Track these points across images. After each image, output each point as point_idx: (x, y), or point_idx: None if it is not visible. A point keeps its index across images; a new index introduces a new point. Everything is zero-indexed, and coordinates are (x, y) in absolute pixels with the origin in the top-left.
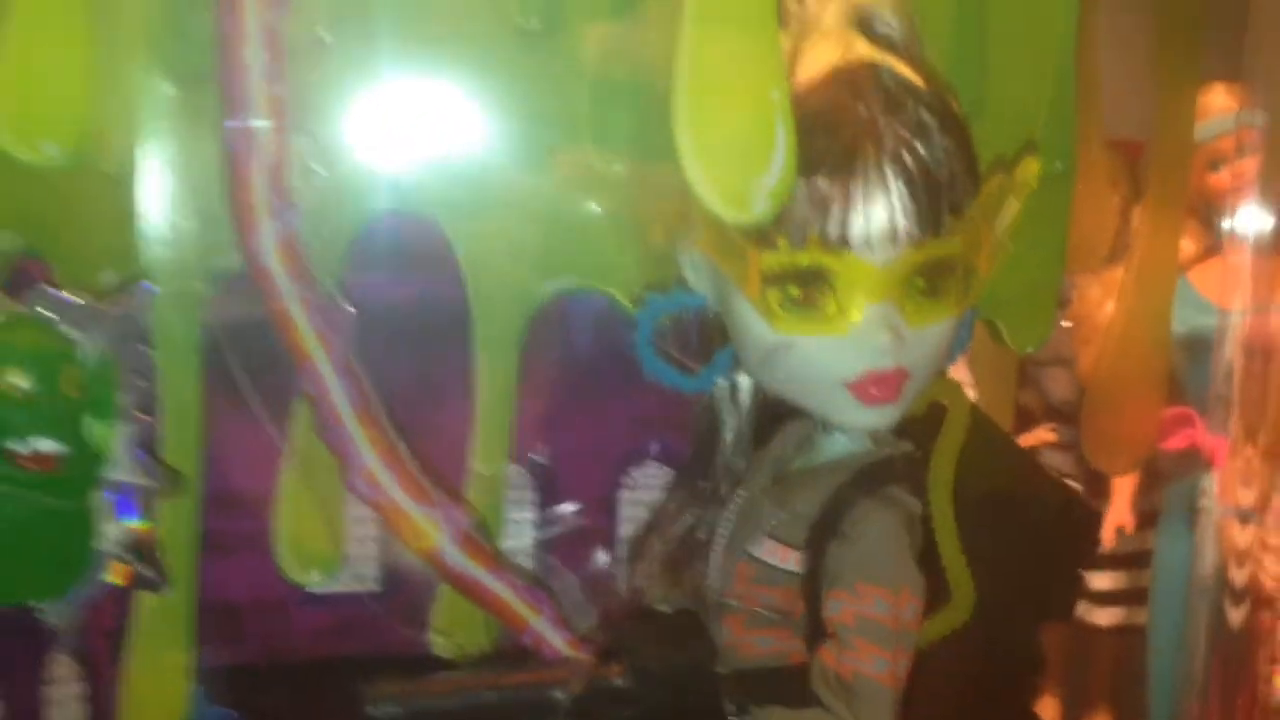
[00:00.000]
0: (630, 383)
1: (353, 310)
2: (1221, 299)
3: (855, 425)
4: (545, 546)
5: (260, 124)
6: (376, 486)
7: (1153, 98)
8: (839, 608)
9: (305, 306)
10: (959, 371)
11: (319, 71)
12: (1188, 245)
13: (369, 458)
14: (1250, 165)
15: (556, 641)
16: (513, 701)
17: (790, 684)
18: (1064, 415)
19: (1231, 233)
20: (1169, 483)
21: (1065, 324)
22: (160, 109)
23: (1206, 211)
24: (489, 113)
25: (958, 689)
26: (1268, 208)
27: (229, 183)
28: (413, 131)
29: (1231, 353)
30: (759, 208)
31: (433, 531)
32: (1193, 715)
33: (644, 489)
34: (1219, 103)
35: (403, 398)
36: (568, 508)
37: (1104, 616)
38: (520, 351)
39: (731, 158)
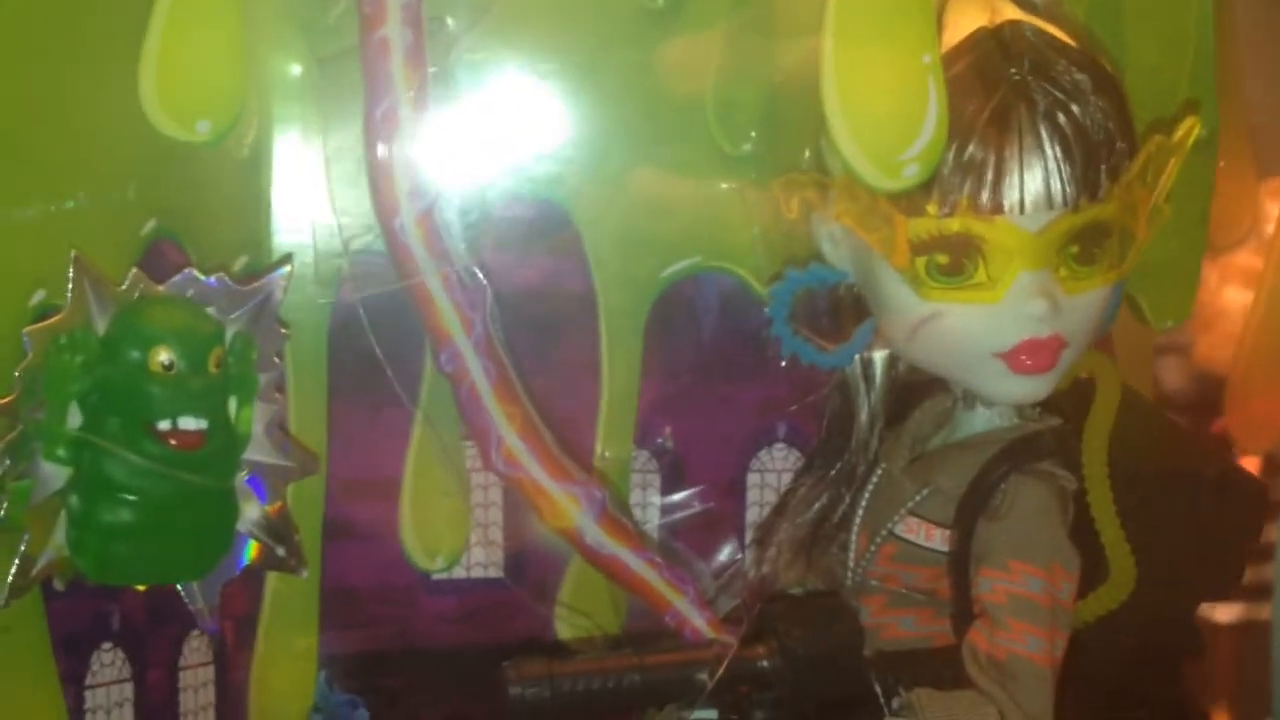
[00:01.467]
0: (757, 364)
1: (488, 287)
2: None
3: (1009, 396)
4: (672, 531)
5: (403, 104)
6: (516, 464)
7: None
8: (991, 586)
9: (444, 283)
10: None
11: (449, 54)
12: None
13: (509, 435)
14: None
15: (699, 623)
16: (657, 683)
17: (940, 665)
18: (1177, 405)
19: None
20: None
21: None
22: (291, 92)
23: None
24: (612, 94)
25: (1115, 670)
26: None
27: (370, 162)
28: (535, 115)
29: None
30: (909, 173)
31: (573, 509)
32: None
33: (772, 472)
34: None
35: (528, 382)
36: (694, 492)
37: (1225, 613)
38: (645, 335)
39: (881, 123)
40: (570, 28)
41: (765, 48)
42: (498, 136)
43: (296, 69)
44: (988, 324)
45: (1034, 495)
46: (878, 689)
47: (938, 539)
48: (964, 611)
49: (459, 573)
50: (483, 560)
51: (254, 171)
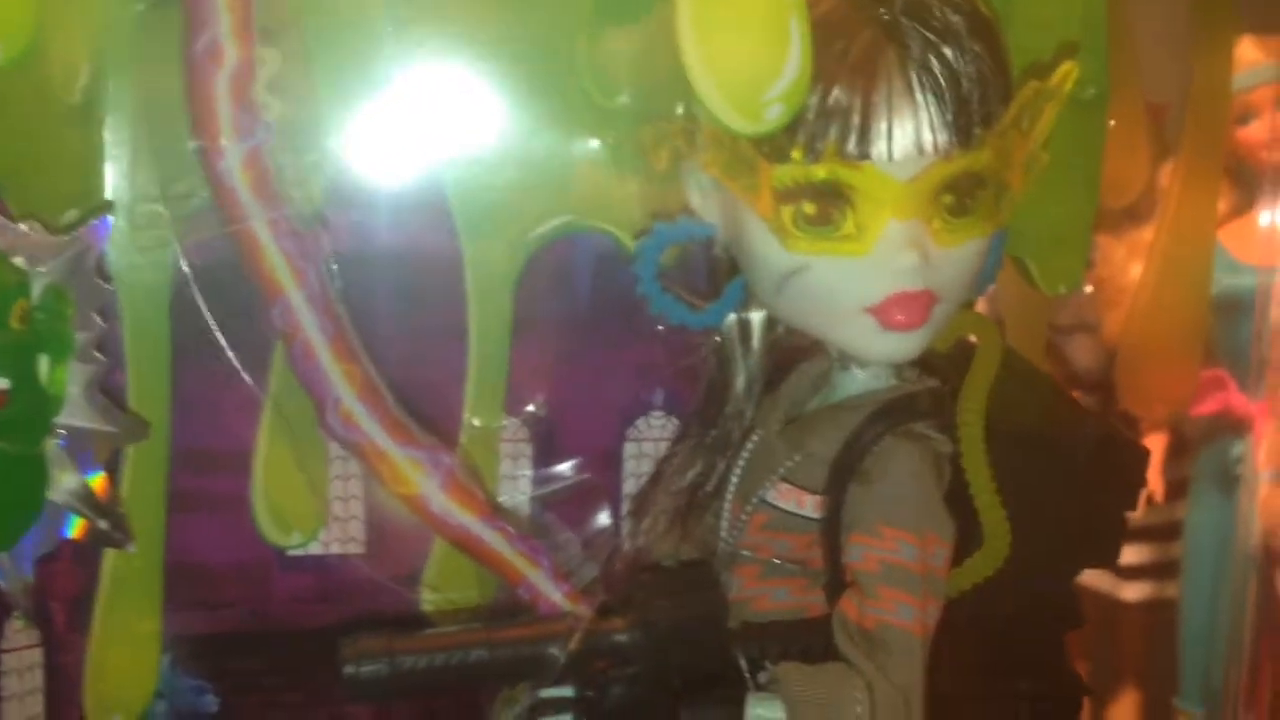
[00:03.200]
0: (633, 329)
1: (326, 234)
2: (1257, 258)
3: (879, 354)
4: (544, 503)
5: (224, 35)
6: (354, 426)
7: (1182, 51)
8: (861, 553)
9: (274, 230)
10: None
11: None
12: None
13: (347, 396)
14: None
15: (555, 595)
16: (506, 659)
17: (809, 637)
18: (1088, 383)
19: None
20: (1199, 450)
21: (1088, 289)
22: (128, 33)
23: (1237, 168)
24: (478, 44)
25: (991, 640)
26: None
27: (190, 99)
28: (396, 65)
29: (1273, 313)
30: (771, 115)
31: (417, 475)
32: (1241, 688)
33: (649, 440)
34: (1248, 56)
35: (390, 346)
36: (568, 462)
37: (1132, 591)
38: (515, 298)
39: (741, 63)
40: None
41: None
42: (352, 87)
43: (139, 7)
44: (856, 277)
45: (906, 458)
46: (742, 662)
47: (809, 506)
48: (837, 581)
49: (316, 549)
50: (341, 536)
51: (86, 118)
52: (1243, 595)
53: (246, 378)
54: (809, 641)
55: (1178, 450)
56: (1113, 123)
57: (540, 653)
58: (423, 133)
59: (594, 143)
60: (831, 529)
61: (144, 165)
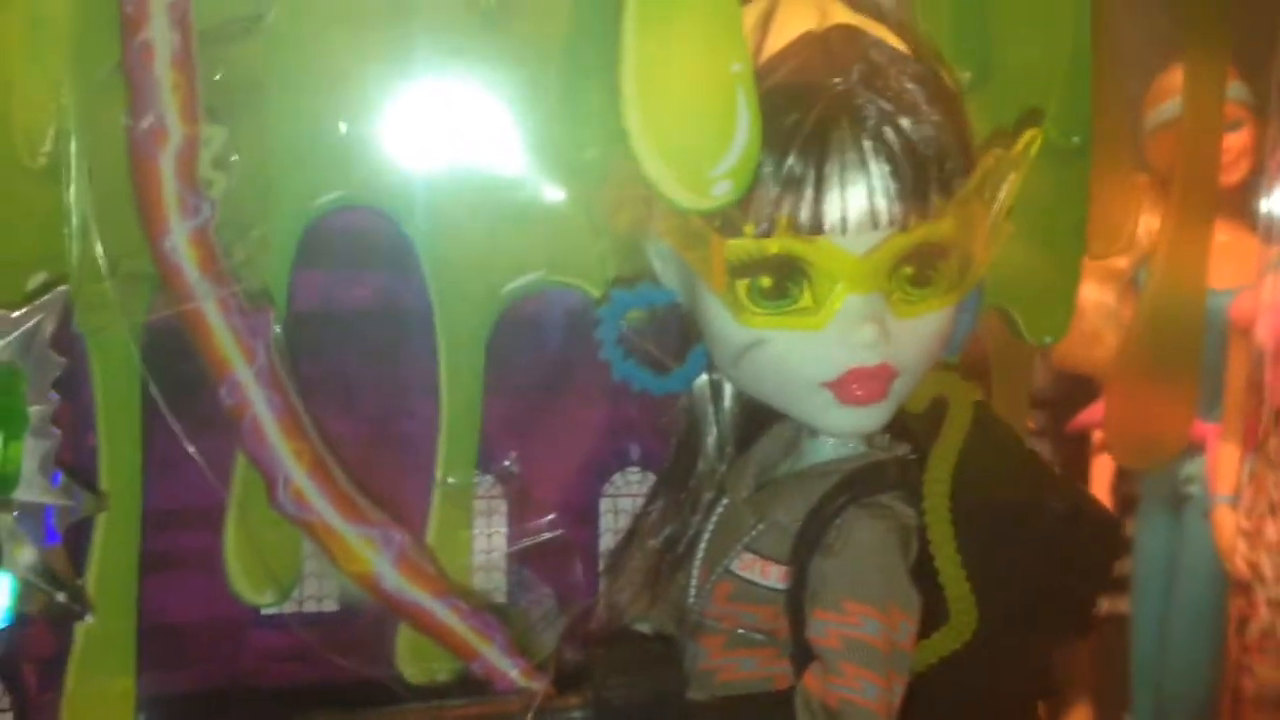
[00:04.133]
0: (607, 384)
1: (274, 312)
2: (1212, 280)
3: (837, 428)
4: (520, 559)
5: (169, 115)
6: (305, 504)
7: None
8: (824, 629)
9: (222, 308)
10: None
11: (254, 53)
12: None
13: (296, 474)
14: (1238, 141)
15: (510, 671)
16: None
17: (771, 711)
18: (1039, 403)
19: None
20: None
21: None
22: (91, 99)
23: None
24: (448, 98)
25: (959, 714)
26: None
27: (135, 176)
28: (361, 119)
29: (1224, 334)
30: (718, 190)
31: (368, 553)
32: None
33: (625, 496)
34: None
35: (361, 403)
36: (543, 518)
37: None
38: (488, 352)
39: (686, 136)
40: (398, 26)
41: (609, 49)
42: (326, 144)
43: (102, 75)
44: (813, 352)
45: (870, 531)
46: None
47: (774, 576)
48: (803, 652)
49: (290, 607)
50: (316, 593)
51: (52, 182)
52: (1202, 619)
53: (196, 455)
54: (770, 717)
55: (1127, 469)
56: (1099, 170)
57: None
58: (393, 188)
59: (566, 196)
60: (796, 601)
61: (94, 240)
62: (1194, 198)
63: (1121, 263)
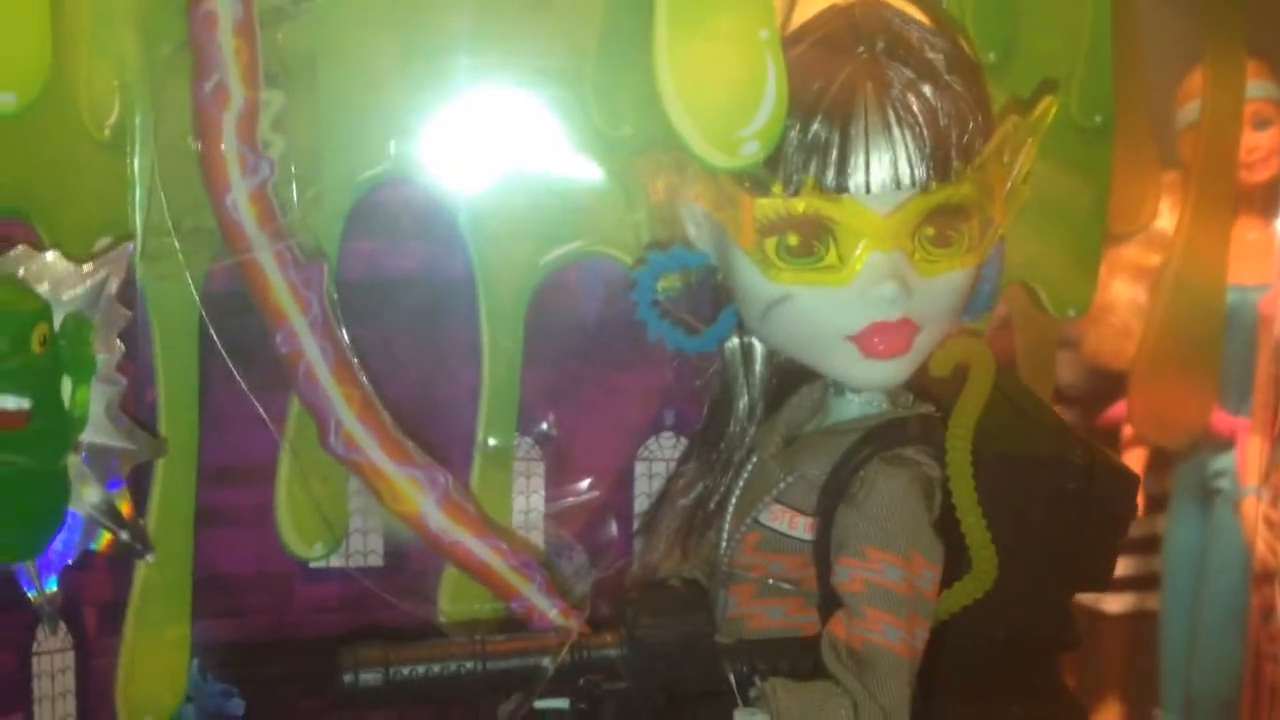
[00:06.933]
0: (643, 351)
1: (324, 265)
2: (1238, 275)
3: (861, 381)
4: (557, 520)
5: (231, 78)
6: (354, 446)
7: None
8: (848, 575)
9: (279, 261)
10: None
11: (304, 29)
12: None
13: (346, 416)
14: (1268, 139)
15: (547, 610)
16: (498, 671)
17: (798, 655)
18: (1069, 399)
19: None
20: (1178, 464)
21: None
22: (155, 73)
23: None
24: (488, 73)
25: (982, 662)
26: None
27: (200, 136)
28: (407, 94)
29: (1255, 330)
30: (747, 150)
31: (414, 493)
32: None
33: (660, 460)
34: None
35: (406, 368)
36: (580, 480)
37: (1114, 603)
38: (527, 321)
39: (716, 99)
40: (446, 5)
41: (645, 28)
42: (369, 118)
43: (167, 50)
44: (837, 306)
45: (893, 481)
46: (731, 678)
47: (802, 527)
48: (830, 601)
49: (338, 560)
50: (362, 548)
51: (116, 153)
52: (1231, 612)
53: (257, 405)
54: (798, 659)
55: (1158, 465)
56: (1121, 150)
57: (532, 665)
58: (437, 160)
59: (602, 171)
60: (822, 550)
61: (159, 200)
62: (1212, 190)
63: (1154, 259)
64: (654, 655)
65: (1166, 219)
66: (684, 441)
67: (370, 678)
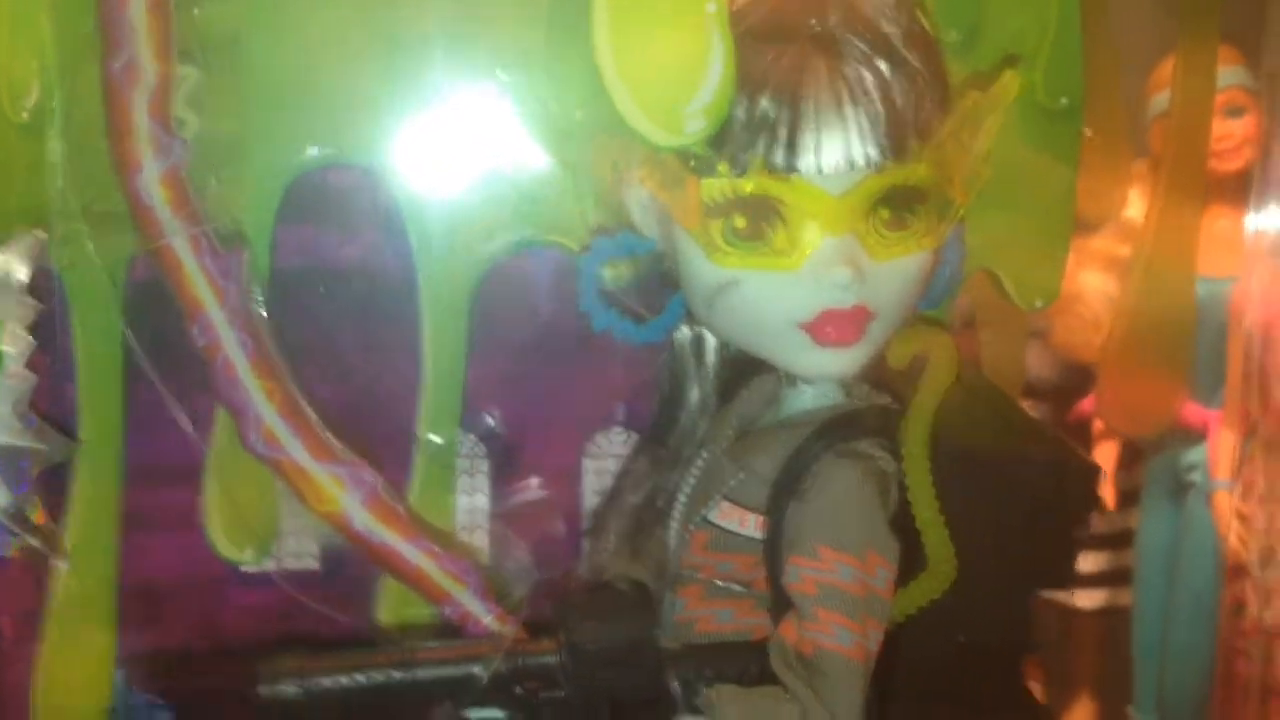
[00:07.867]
0: (592, 344)
1: (244, 253)
2: (1209, 268)
3: (813, 371)
4: (503, 519)
5: (142, 53)
6: (276, 444)
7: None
8: (799, 575)
9: (194, 247)
10: None
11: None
12: None
13: (267, 412)
14: (1241, 127)
15: (482, 615)
16: (426, 680)
17: (745, 660)
18: (1039, 392)
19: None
20: (1150, 458)
21: None
22: (72, 53)
23: None
24: (434, 53)
25: (940, 664)
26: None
27: (109, 115)
28: (348, 76)
29: (1226, 321)
30: (691, 127)
31: (338, 492)
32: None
33: (610, 456)
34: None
35: (345, 362)
36: (527, 479)
37: (1086, 599)
38: (472, 313)
39: (659, 74)
40: None
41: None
42: (302, 100)
43: (86, 30)
44: (788, 292)
45: (846, 476)
46: (675, 686)
47: (751, 525)
48: (780, 603)
49: (270, 565)
50: (296, 550)
51: (35, 136)
52: (1206, 606)
53: (173, 403)
54: (747, 665)
55: (1129, 459)
56: (1088, 133)
57: (463, 673)
58: (376, 148)
59: (551, 157)
60: (773, 549)
61: (71, 182)
62: (1182, 180)
63: (1123, 250)
64: (594, 662)
65: (1136, 208)
66: (635, 437)
67: (288, 689)
